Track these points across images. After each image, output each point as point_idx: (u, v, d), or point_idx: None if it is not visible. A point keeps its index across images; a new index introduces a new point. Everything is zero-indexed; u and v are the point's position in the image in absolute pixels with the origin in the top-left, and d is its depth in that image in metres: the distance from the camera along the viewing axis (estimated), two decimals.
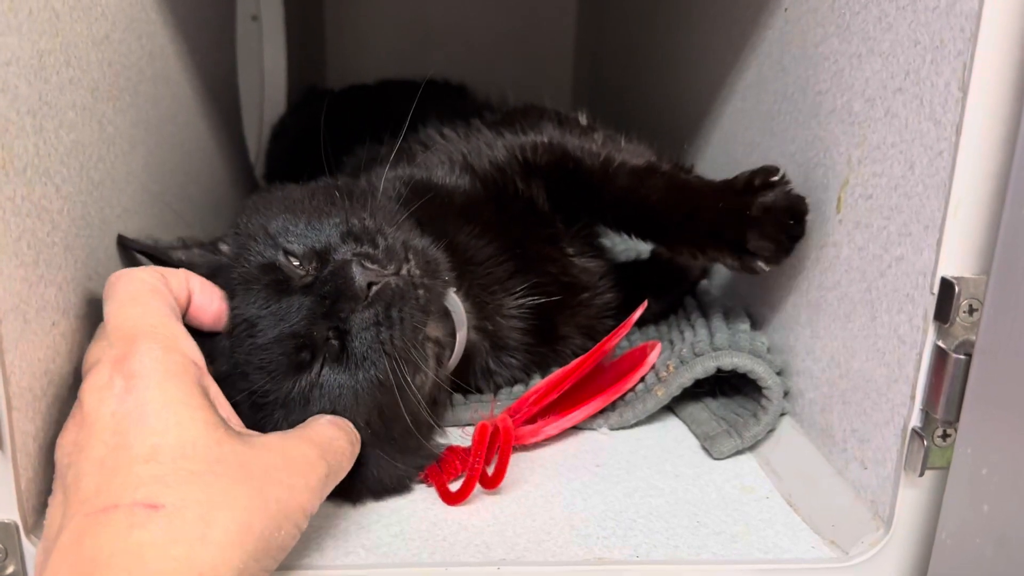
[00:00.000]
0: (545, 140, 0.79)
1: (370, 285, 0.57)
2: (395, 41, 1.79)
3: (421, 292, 0.60)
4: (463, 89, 1.36)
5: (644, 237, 0.76)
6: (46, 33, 0.55)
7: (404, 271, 0.60)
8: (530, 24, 1.82)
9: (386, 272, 0.58)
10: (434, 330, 0.67)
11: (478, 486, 0.63)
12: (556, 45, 1.83)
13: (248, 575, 0.47)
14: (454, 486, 0.63)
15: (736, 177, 0.69)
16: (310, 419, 0.56)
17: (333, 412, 0.58)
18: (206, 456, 0.48)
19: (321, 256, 0.59)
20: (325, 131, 1.21)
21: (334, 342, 0.58)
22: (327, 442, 0.55)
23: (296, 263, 0.60)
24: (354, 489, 0.61)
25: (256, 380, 0.57)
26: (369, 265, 0.58)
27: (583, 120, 0.83)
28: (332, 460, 0.54)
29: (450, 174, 0.77)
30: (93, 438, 0.48)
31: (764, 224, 0.66)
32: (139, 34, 0.71)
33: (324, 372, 0.58)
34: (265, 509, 0.48)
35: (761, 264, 0.67)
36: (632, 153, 0.77)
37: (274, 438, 0.53)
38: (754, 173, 0.68)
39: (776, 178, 0.67)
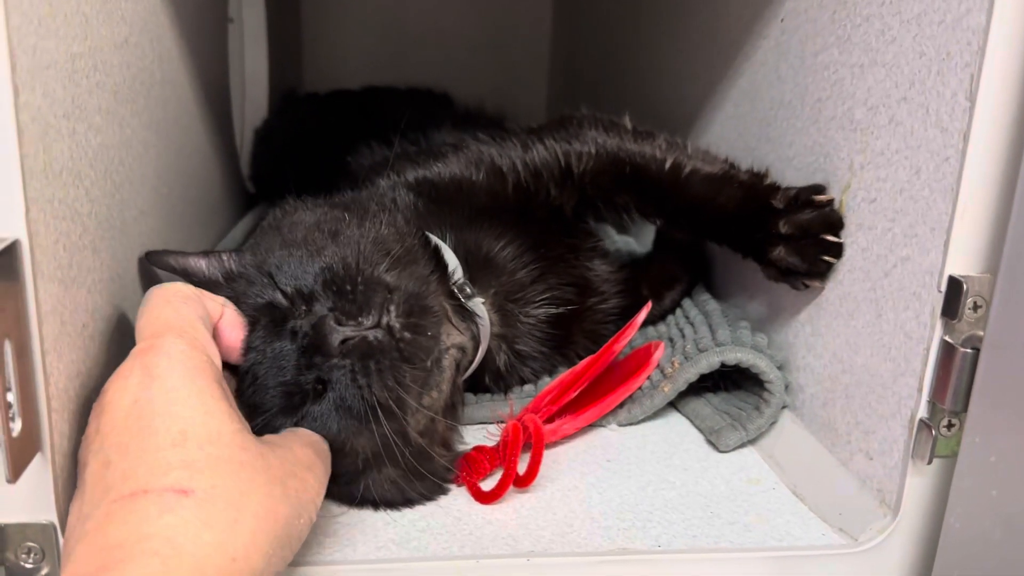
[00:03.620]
0: (591, 150, 0.79)
1: (345, 341, 0.57)
2: (372, 47, 1.79)
3: (403, 345, 0.59)
4: (447, 97, 1.37)
5: (718, 243, 0.79)
6: (78, 37, 0.55)
7: (384, 322, 0.59)
8: (505, 31, 1.84)
9: (364, 325, 0.58)
10: (457, 336, 0.68)
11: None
12: (531, 52, 1.85)
13: (274, 562, 0.48)
14: (485, 485, 0.64)
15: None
16: (293, 429, 0.58)
17: None
18: (231, 443, 0.49)
19: (307, 301, 0.60)
20: (312, 135, 1.23)
21: (318, 387, 0.59)
22: (318, 442, 0.57)
23: (288, 304, 0.60)
24: (379, 505, 0.63)
25: (258, 417, 0.59)
26: (345, 320, 0.58)
27: (628, 123, 0.83)
28: (325, 460, 0.56)
29: (476, 176, 0.78)
30: (116, 426, 0.49)
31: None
32: (151, 37, 0.72)
33: (311, 413, 0.59)
34: (286, 498, 0.50)
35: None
36: (703, 159, 0.78)
37: (278, 438, 0.55)
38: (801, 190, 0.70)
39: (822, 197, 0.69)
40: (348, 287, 0.59)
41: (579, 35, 1.66)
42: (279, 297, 0.60)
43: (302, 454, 0.54)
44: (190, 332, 0.54)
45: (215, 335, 0.59)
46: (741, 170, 0.78)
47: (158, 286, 0.57)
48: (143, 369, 0.50)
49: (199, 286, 0.67)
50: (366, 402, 0.57)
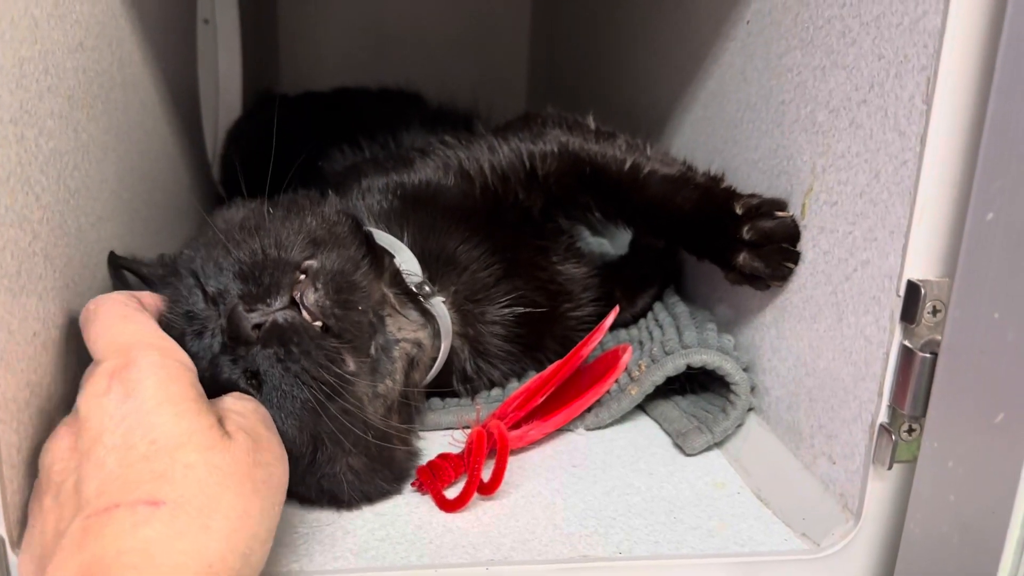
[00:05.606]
0: (555, 149, 0.79)
1: (257, 327, 0.57)
2: (349, 46, 1.78)
3: (333, 323, 0.58)
4: (418, 96, 1.36)
5: (676, 244, 0.81)
6: (26, 41, 0.54)
7: (315, 300, 0.58)
8: (484, 30, 1.84)
9: (272, 307, 0.57)
10: (410, 331, 0.68)
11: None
12: (510, 51, 1.85)
13: (255, 559, 0.48)
14: (450, 493, 0.64)
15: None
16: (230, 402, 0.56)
17: None
18: (200, 445, 0.49)
19: (223, 298, 0.59)
20: (282, 136, 1.21)
21: (253, 381, 0.58)
22: (264, 417, 0.56)
23: (206, 306, 0.60)
24: (343, 497, 0.62)
25: None
26: (255, 305, 0.57)
27: (592, 124, 0.83)
28: (276, 432, 0.56)
29: (444, 180, 0.78)
30: (96, 443, 0.48)
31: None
32: (109, 41, 0.71)
33: None
34: (256, 492, 0.49)
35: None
36: (661, 161, 0.79)
37: (236, 416, 0.53)
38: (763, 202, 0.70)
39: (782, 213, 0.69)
40: (257, 273, 0.58)
41: (558, 35, 1.65)
42: (199, 303, 0.60)
43: (260, 433, 0.53)
44: (159, 343, 0.54)
45: None
46: (698, 172, 0.78)
47: (99, 300, 0.56)
48: (120, 386, 0.50)
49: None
50: (307, 386, 0.57)
